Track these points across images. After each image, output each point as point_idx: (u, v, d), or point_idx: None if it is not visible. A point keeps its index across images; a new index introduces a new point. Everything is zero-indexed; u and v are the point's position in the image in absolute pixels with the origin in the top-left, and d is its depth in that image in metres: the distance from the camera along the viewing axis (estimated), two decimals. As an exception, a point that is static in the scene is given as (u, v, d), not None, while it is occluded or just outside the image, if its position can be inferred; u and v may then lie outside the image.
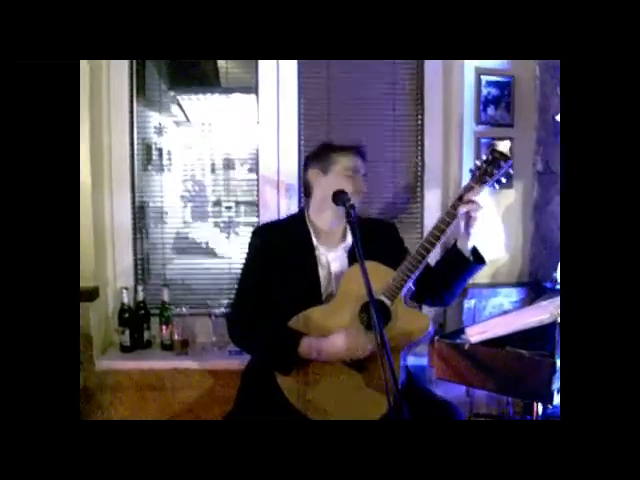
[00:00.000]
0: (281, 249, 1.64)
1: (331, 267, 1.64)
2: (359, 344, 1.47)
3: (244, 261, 1.71)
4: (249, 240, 1.70)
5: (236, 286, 1.72)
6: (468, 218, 1.50)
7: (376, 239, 1.58)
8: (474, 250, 1.58)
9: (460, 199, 1.48)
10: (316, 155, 1.69)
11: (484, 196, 1.51)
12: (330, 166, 1.63)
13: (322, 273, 1.63)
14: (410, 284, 1.51)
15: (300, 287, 1.61)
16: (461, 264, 1.58)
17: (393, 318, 1.48)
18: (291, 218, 1.76)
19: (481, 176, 1.49)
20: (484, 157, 1.51)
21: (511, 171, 1.52)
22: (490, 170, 1.48)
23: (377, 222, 1.80)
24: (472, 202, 1.47)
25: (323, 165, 1.64)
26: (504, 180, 1.52)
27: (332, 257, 1.65)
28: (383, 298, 1.48)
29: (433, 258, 1.59)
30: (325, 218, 1.66)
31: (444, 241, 1.54)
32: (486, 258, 1.60)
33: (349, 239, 1.65)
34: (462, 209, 1.47)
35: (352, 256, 1.61)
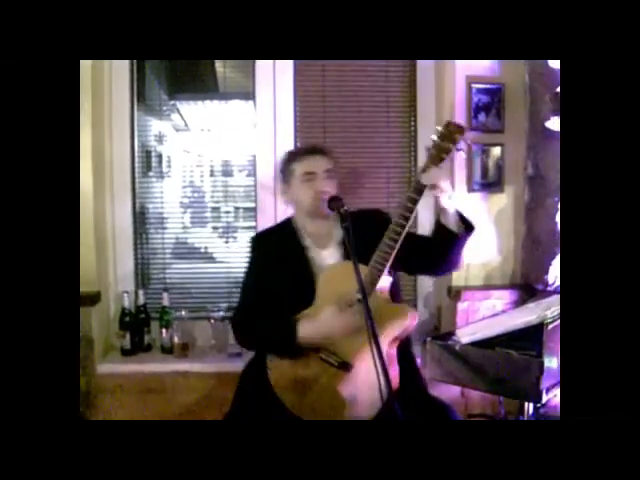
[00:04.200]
0: (275, 253, 1.69)
1: (325, 264, 1.65)
2: (350, 318, 1.47)
3: (246, 266, 1.77)
4: (249, 248, 1.77)
5: (235, 290, 1.76)
6: (436, 196, 1.47)
7: (369, 231, 1.57)
8: (460, 217, 1.54)
9: (419, 183, 1.45)
10: (281, 171, 1.71)
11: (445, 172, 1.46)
12: (290, 178, 1.66)
13: (317, 272, 1.64)
14: (385, 276, 1.49)
15: (295, 287, 1.63)
16: (449, 237, 1.54)
17: (372, 313, 1.48)
18: (283, 223, 1.79)
19: (438, 154, 1.44)
20: (438, 129, 1.45)
21: (464, 146, 1.44)
22: (446, 146, 1.43)
23: (371, 213, 1.76)
24: (434, 184, 1.43)
25: (286, 178, 1.69)
26: (464, 155, 1.46)
27: (325, 255, 1.67)
28: (359, 295, 1.44)
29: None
30: (311, 223, 1.69)
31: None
32: (473, 222, 1.54)
33: (338, 234, 1.65)
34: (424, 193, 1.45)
35: (346, 251, 1.60)
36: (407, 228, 1.47)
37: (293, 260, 1.66)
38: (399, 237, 1.46)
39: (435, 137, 1.46)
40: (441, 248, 1.58)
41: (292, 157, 1.69)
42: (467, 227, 1.54)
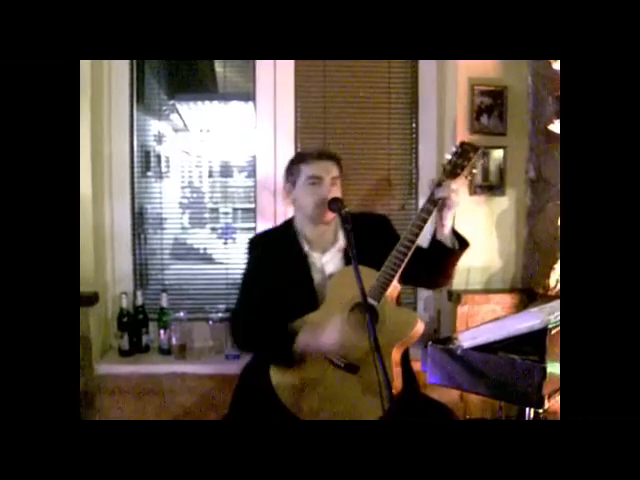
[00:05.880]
0: (274, 258, 1.68)
1: (325, 270, 1.66)
2: (352, 340, 1.48)
3: (244, 268, 1.76)
4: (247, 250, 1.77)
5: (233, 291, 1.75)
6: (442, 210, 1.51)
7: (369, 234, 1.59)
8: (455, 234, 1.58)
9: (433, 195, 1.50)
10: (287, 170, 1.70)
11: (462, 190, 1.56)
12: (297, 179, 1.66)
13: (317, 277, 1.65)
14: (395, 282, 1.52)
15: (295, 293, 1.63)
16: (445, 254, 1.58)
17: (381, 318, 1.50)
18: (283, 225, 1.78)
19: (452, 169, 1.51)
20: (453, 149, 1.53)
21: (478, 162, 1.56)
22: (460, 162, 1.51)
23: (369, 216, 1.80)
24: (446, 197, 1.49)
25: (292, 179, 1.68)
26: (475, 170, 1.57)
27: (326, 260, 1.66)
28: (369, 299, 1.48)
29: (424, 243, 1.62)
30: (312, 227, 1.69)
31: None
32: (468, 238, 1.59)
33: (341, 240, 1.67)
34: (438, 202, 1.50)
35: (346, 256, 1.63)
36: (419, 237, 1.51)
37: (292, 265, 1.66)
38: (412, 245, 1.50)
39: (449, 155, 1.53)
40: (436, 263, 1.61)
41: (301, 158, 1.68)
42: (461, 243, 1.58)
